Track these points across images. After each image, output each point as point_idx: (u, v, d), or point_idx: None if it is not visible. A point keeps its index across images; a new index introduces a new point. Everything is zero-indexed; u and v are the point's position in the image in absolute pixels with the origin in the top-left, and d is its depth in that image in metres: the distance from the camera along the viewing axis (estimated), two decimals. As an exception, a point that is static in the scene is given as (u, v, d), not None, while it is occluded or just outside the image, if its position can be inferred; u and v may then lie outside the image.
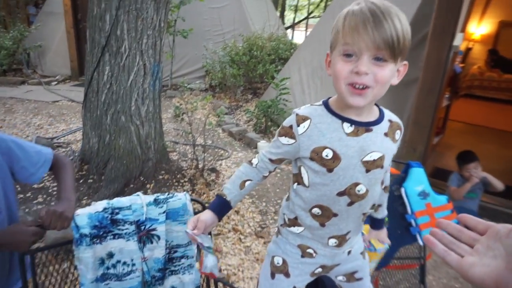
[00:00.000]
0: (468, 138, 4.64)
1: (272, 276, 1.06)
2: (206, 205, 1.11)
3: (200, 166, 3.09)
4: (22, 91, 5.85)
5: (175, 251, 1.20)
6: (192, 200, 1.23)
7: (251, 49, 5.92)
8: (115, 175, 2.73)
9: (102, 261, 1.09)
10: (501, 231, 0.49)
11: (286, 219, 1.04)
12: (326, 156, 0.89)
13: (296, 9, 15.03)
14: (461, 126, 5.15)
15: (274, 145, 0.99)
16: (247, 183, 1.03)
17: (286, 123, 0.95)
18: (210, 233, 1.06)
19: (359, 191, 0.92)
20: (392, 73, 0.83)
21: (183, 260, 1.21)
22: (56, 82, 6.50)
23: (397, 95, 2.98)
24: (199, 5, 5.49)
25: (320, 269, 1.06)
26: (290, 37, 11.18)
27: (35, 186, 2.71)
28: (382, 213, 1.18)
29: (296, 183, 0.99)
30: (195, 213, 1.22)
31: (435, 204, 1.62)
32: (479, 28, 7.11)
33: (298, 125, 0.91)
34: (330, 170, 0.90)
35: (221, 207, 1.02)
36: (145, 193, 2.66)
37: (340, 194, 0.92)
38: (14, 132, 4.08)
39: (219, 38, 6.47)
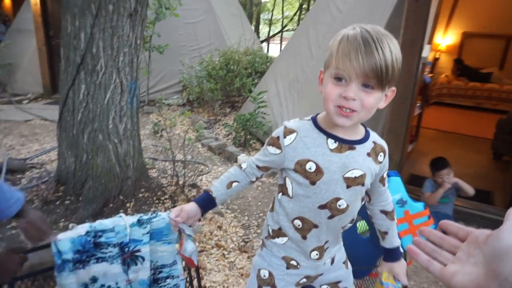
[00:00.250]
0: (439, 144, 4.82)
1: None
2: (191, 223, 1.11)
3: (181, 182, 3.07)
4: (-9, 111, 5.65)
5: (160, 272, 1.18)
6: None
7: (228, 63, 5.97)
8: (93, 195, 2.66)
9: (85, 287, 1.06)
10: (479, 237, 0.49)
11: (270, 230, 1.07)
12: (310, 169, 0.93)
13: (270, 23, 15.30)
14: (432, 133, 5.35)
15: (262, 153, 1.04)
16: (234, 184, 1.08)
17: (274, 133, 1.00)
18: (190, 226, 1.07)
19: (340, 205, 0.95)
20: (378, 100, 0.87)
21: (168, 280, 1.20)
22: (27, 101, 6.31)
23: (372, 106, 3.07)
24: (174, 20, 5.52)
25: (304, 279, 1.09)
26: (265, 51, 11.35)
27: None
28: (391, 242, 1.12)
29: (280, 193, 1.02)
30: (179, 232, 1.22)
31: (413, 211, 1.68)
32: (445, 39, 7.47)
33: (285, 137, 0.97)
34: (313, 183, 0.93)
35: (206, 202, 1.06)
36: (125, 212, 2.62)
37: (322, 207, 0.95)
38: (-16, 154, 3.92)
39: (195, 53, 6.49)
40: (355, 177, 0.94)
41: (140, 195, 2.84)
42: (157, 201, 2.84)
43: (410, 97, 2.94)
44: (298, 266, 1.05)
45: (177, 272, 1.20)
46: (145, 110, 5.84)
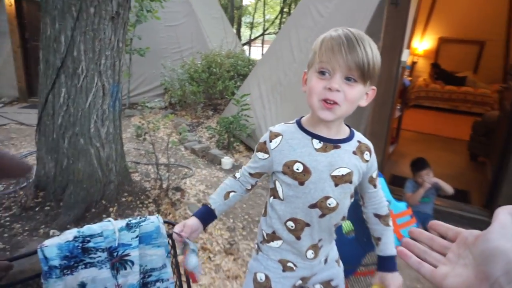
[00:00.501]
0: (419, 145, 4.95)
1: None
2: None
3: (165, 185, 3.04)
4: (-36, 115, 5.44)
5: (150, 275, 1.17)
6: (165, 222, 1.22)
7: (210, 66, 5.96)
8: (75, 200, 2.61)
9: (73, 293, 1.04)
10: (468, 238, 0.49)
11: (265, 235, 1.07)
12: (297, 169, 0.95)
13: (252, 26, 15.36)
14: (412, 135, 5.49)
15: (253, 160, 1.06)
16: (231, 194, 1.10)
17: (261, 139, 1.03)
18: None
19: (330, 204, 0.97)
20: (360, 94, 0.90)
21: (158, 284, 1.19)
22: (2, 105, 6.11)
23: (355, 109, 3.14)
24: (155, 23, 5.48)
25: (300, 281, 1.10)
26: (247, 53, 11.39)
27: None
28: (384, 249, 1.09)
29: (272, 197, 1.04)
30: (168, 235, 1.22)
31: (396, 211, 1.73)
32: (422, 44, 7.70)
33: (271, 141, 0.99)
34: (301, 183, 0.95)
35: (206, 215, 1.08)
36: (108, 217, 2.57)
37: (312, 206, 0.97)
38: (-43, 160, 3.76)
39: (177, 56, 6.45)
40: (342, 175, 0.96)
41: (123, 199, 2.80)
42: (140, 205, 2.80)
43: (391, 100, 3.02)
44: (295, 268, 1.06)
45: (166, 275, 1.19)
46: (127, 114, 5.76)
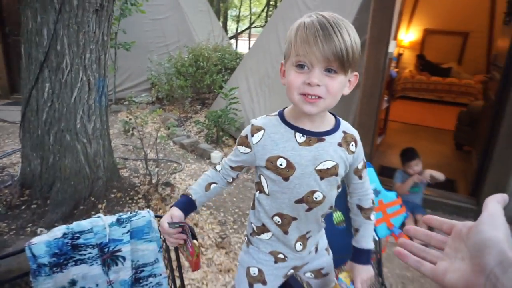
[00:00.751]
0: (406, 136, 5.01)
1: (251, 286, 1.08)
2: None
3: (154, 181, 3.01)
4: None
5: (142, 271, 1.16)
6: (156, 216, 1.20)
7: (197, 60, 5.90)
8: (62, 198, 2.56)
9: (63, 290, 1.03)
10: (462, 231, 0.48)
11: (255, 228, 1.06)
12: (281, 165, 0.92)
13: (238, 19, 15.24)
14: (399, 126, 5.55)
15: (233, 153, 1.03)
16: (212, 186, 1.06)
17: (243, 132, 0.99)
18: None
19: (316, 198, 0.95)
20: (342, 84, 0.86)
21: (150, 279, 1.18)
22: (-17, 102, 5.95)
23: (342, 100, 3.14)
24: (140, 17, 5.38)
25: (292, 271, 1.10)
26: (234, 47, 11.31)
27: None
28: (360, 241, 1.08)
29: (258, 191, 1.02)
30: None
31: (386, 201, 1.75)
32: (407, 35, 7.77)
33: (252, 135, 0.95)
34: (286, 179, 0.93)
35: (186, 205, 1.02)
36: (97, 213, 2.54)
37: (298, 201, 0.95)
38: None
39: (163, 50, 6.36)
40: (327, 168, 0.92)
41: (112, 195, 2.76)
42: (130, 201, 2.77)
43: (378, 91, 3.03)
44: (286, 258, 1.06)
45: (159, 270, 1.18)
46: (113, 109, 5.67)
